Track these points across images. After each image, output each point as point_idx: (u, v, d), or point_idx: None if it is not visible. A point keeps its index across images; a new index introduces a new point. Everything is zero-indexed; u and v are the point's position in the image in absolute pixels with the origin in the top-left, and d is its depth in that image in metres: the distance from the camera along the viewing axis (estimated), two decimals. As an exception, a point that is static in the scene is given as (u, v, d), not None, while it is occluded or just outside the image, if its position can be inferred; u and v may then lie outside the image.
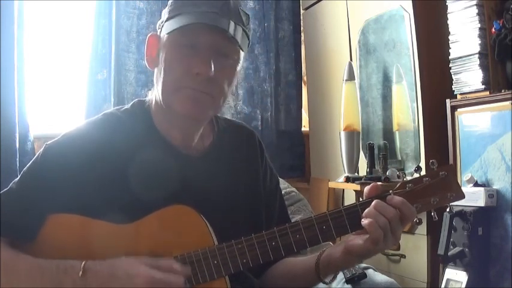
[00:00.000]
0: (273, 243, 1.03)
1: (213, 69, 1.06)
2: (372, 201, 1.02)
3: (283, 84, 3.11)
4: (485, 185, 1.84)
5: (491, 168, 1.84)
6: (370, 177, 2.11)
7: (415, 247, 2.11)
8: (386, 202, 1.01)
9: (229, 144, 1.24)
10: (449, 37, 2.01)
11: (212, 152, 1.21)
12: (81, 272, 0.96)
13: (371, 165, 2.24)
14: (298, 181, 2.92)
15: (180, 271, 0.98)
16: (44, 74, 2.67)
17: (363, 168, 2.37)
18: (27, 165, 1.12)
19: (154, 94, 1.17)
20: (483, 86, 1.89)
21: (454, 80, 2.01)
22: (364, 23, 2.47)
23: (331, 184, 2.52)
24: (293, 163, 3.11)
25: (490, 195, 1.79)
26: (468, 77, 1.95)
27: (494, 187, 1.82)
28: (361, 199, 1.07)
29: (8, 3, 2.31)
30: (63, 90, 2.73)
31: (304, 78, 3.19)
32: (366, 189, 1.06)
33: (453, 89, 2.01)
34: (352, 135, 2.32)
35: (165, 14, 1.14)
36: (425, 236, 2.06)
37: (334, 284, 1.42)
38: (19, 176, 1.11)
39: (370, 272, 1.53)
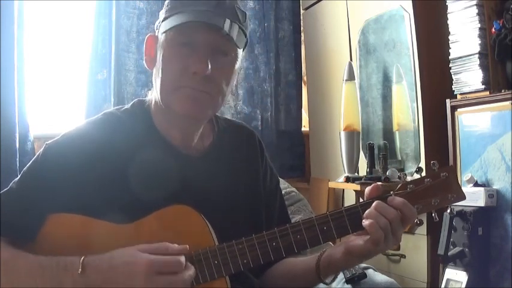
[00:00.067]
0: (274, 244, 1.03)
1: (210, 67, 1.06)
2: (373, 202, 1.02)
3: (283, 84, 3.11)
4: (485, 185, 1.85)
5: (491, 168, 1.84)
6: (370, 177, 2.11)
7: (415, 247, 2.11)
8: (387, 203, 1.01)
9: (230, 144, 1.24)
10: (449, 37, 2.01)
11: (212, 152, 1.21)
12: (80, 269, 0.96)
13: (371, 165, 2.24)
14: (298, 181, 2.92)
15: (178, 250, 0.98)
16: (44, 74, 2.67)
17: (363, 168, 2.37)
18: (27, 165, 1.12)
19: (154, 94, 1.17)
20: (483, 86, 1.89)
21: (454, 80, 2.01)
22: (364, 23, 2.47)
23: (331, 184, 2.52)
24: (293, 163, 3.11)
25: (490, 195, 1.80)
26: (468, 77, 1.95)
27: (494, 187, 1.82)
28: (361, 199, 1.07)
29: (8, 3, 2.31)
30: (63, 90, 2.73)
31: (304, 78, 3.19)
32: (367, 190, 1.06)
33: (453, 89, 2.01)
34: (352, 135, 2.32)
35: (162, 14, 1.14)
36: (425, 236, 2.06)
37: (334, 284, 1.42)
38: (19, 176, 1.11)
39: (370, 272, 1.53)
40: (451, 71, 2.01)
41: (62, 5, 2.69)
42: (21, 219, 1.05)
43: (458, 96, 2.00)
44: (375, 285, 1.46)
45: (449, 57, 2.02)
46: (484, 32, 1.90)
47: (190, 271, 0.98)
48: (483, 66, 1.89)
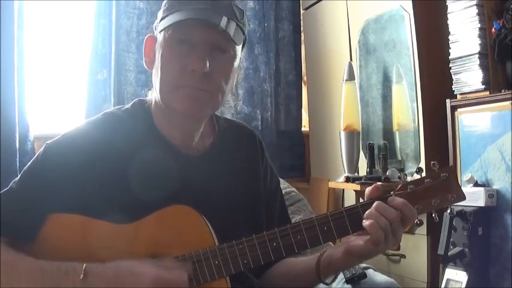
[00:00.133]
0: (274, 244, 1.03)
1: (208, 65, 1.06)
2: (373, 202, 1.02)
3: (283, 84, 3.11)
4: (485, 185, 1.85)
5: (491, 168, 1.84)
6: (370, 177, 2.12)
7: (415, 247, 2.11)
8: (387, 203, 1.01)
9: (230, 144, 1.24)
10: (449, 37, 2.01)
11: (212, 151, 1.21)
12: (82, 275, 0.96)
13: (371, 165, 2.24)
14: (298, 181, 2.92)
15: (183, 269, 0.99)
16: (44, 74, 2.67)
17: (363, 168, 2.37)
18: (27, 165, 1.12)
19: (154, 94, 1.17)
20: (483, 86, 1.89)
21: (454, 80, 2.01)
22: (364, 23, 2.47)
23: (331, 184, 2.52)
24: (293, 163, 3.11)
25: (490, 195, 1.80)
26: (468, 77, 1.95)
27: (494, 187, 1.82)
28: (361, 199, 1.07)
29: (8, 3, 2.31)
30: (63, 90, 2.73)
31: (304, 78, 3.19)
32: (367, 190, 1.06)
33: (453, 89, 2.01)
34: (352, 135, 2.32)
35: (160, 14, 1.14)
36: (425, 236, 2.06)
37: (334, 284, 1.42)
38: (19, 176, 1.11)
39: (370, 272, 1.53)
40: (451, 71, 2.01)
41: (62, 5, 2.69)
42: (21, 219, 1.05)
43: (458, 96, 2.00)
44: (375, 285, 1.46)
45: (449, 57, 2.02)
46: (484, 32, 1.90)
47: None
48: (483, 66, 1.89)
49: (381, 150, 2.32)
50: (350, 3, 2.57)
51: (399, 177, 1.10)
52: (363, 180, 2.13)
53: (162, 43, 1.11)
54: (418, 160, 2.15)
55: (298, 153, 3.14)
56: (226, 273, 1.03)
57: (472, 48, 1.92)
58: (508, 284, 1.73)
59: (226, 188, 1.19)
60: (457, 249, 1.84)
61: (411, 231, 2.08)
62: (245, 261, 1.03)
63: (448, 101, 2.02)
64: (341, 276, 1.47)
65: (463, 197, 1.06)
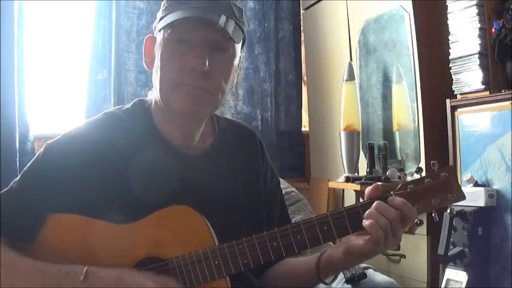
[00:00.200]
0: (274, 244, 1.03)
1: (207, 63, 1.06)
2: (373, 202, 1.02)
3: (283, 84, 3.11)
4: (485, 185, 1.85)
5: (491, 168, 1.84)
6: (370, 177, 2.11)
7: (415, 247, 2.11)
8: (387, 203, 1.01)
9: (230, 144, 1.24)
10: (449, 37, 2.01)
11: (213, 151, 1.21)
12: (82, 277, 0.96)
13: (371, 165, 2.24)
14: (298, 181, 2.92)
15: None
16: (44, 74, 2.67)
17: (363, 168, 2.37)
18: (28, 165, 1.12)
19: (154, 94, 1.17)
20: (483, 86, 1.89)
21: (454, 80, 2.01)
22: (364, 23, 2.47)
23: (331, 184, 2.52)
24: (293, 163, 3.11)
25: (490, 195, 1.80)
26: (468, 77, 1.95)
27: (494, 187, 1.82)
28: (361, 199, 1.07)
29: (8, 3, 2.31)
30: (63, 90, 2.73)
31: (304, 78, 3.19)
32: (367, 190, 1.06)
33: (453, 89, 2.01)
34: (352, 135, 2.32)
35: (159, 14, 1.14)
36: (425, 236, 2.06)
37: (334, 284, 1.42)
38: (19, 176, 1.11)
39: (370, 272, 1.53)
40: (451, 71, 2.01)
41: (62, 5, 2.69)
42: (21, 219, 1.05)
43: (458, 96, 2.00)
44: (375, 285, 1.46)
45: (449, 57, 2.02)
46: (484, 32, 1.90)
47: None
48: (483, 66, 1.89)
49: (381, 150, 2.32)
50: (350, 3, 2.57)
51: (399, 177, 1.10)
52: (363, 180, 2.13)
53: (161, 42, 1.11)
54: (418, 160, 2.15)
55: (298, 153, 3.14)
56: (226, 273, 1.03)
57: (472, 48, 1.92)
58: (508, 284, 1.73)
59: (226, 188, 1.19)
60: (457, 249, 1.84)
61: (411, 231, 2.08)
62: (245, 261, 1.03)
63: (448, 101, 2.02)
64: (341, 276, 1.47)
65: (463, 197, 1.06)
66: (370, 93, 2.50)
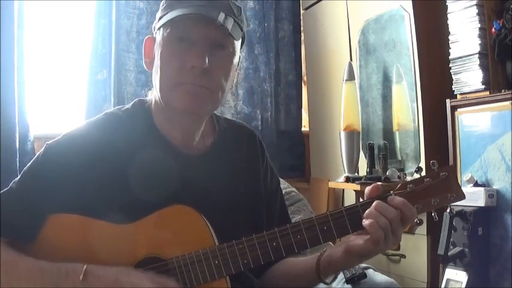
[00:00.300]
0: (274, 244, 1.03)
1: (207, 61, 1.06)
2: (373, 201, 1.02)
3: (283, 84, 3.11)
4: (485, 185, 1.85)
5: (491, 168, 1.84)
6: (370, 177, 2.12)
7: (415, 247, 2.11)
8: (387, 203, 1.01)
9: (230, 144, 1.24)
10: (449, 37, 2.01)
11: (213, 151, 1.21)
12: (82, 276, 0.96)
13: (371, 165, 2.24)
14: (298, 181, 2.92)
15: None
16: (44, 74, 2.67)
17: (363, 168, 2.37)
18: (28, 165, 1.12)
19: (154, 93, 1.17)
20: (483, 86, 1.89)
21: (454, 80, 2.01)
22: (364, 23, 2.47)
23: (331, 184, 2.52)
24: (293, 163, 3.11)
25: (490, 195, 1.80)
26: (468, 77, 1.95)
27: (494, 187, 1.82)
28: (361, 199, 1.07)
29: (8, 3, 2.31)
30: (63, 90, 2.73)
31: (304, 78, 3.19)
32: (367, 189, 1.06)
33: (453, 89, 2.01)
34: (352, 135, 2.32)
35: (158, 14, 1.14)
36: (425, 236, 2.06)
37: (334, 284, 1.42)
38: (19, 176, 1.11)
39: (370, 272, 1.53)
40: (451, 71, 2.01)
41: (62, 5, 2.69)
42: (21, 219, 1.05)
43: (458, 96, 2.00)
44: (375, 285, 1.46)
45: (449, 57, 2.02)
46: (484, 32, 1.90)
47: None
48: (483, 66, 1.89)
49: (381, 150, 2.32)
50: (350, 3, 2.57)
51: (399, 177, 1.10)
52: (363, 180, 2.13)
53: (161, 42, 1.11)
54: (418, 160, 2.15)
55: (298, 153, 3.14)
56: (226, 273, 1.03)
57: (472, 48, 1.92)
58: (508, 284, 1.73)
59: (226, 188, 1.19)
60: (457, 249, 1.84)
61: (411, 231, 2.08)
62: (245, 261, 1.03)
63: (448, 101, 2.02)
64: (341, 276, 1.47)
65: (462, 196, 1.06)
66: (370, 93, 2.50)
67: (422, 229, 2.05)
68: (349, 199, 2.57)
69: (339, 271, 1.20)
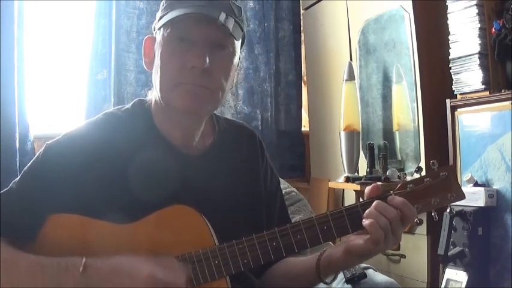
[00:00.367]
0: (274, 244, 1.03)
1: (207, 61, 1.06)
2: (373, 201, 1.02)
3: (283, 84, 3.11)
4: (485, 185, 1.85)
5: (491, 168, 1.84)
6: (370, 177, 2.12)
7: (415, 247, 2.11)
8: (387, 203, 1.01)
9: (230, 144, 1.24)
10: (449, 37, 2.01)
11: (213, 151, 1.21)
12: (81, 268, 0.96)
13: (371, 165, 2.24)
14: (298, 181, 2.92)
15: (182, 270, 0.99)
16: (44, 74, 2.67)
17: (363, 168, 2.37)
18: (28, 165, 1.12)
19: (154, 93, 1.17)
20: (483, 86, 1.89)
21: (454, 80, 2.01)
22: (364, 23, 2.47)
23: (331, 184, 2.52)
24: (293, 163, 3.11)
25: (490, 195, 1.80)
26: (468, 77, 1.95)
27: (494, 187, 1.82)
28: (361, 199, 1.07)
29: (8, 3, 2.31)
30: (63, 90, 2.73)
31: (304, 78, 3.19)
32: (367, 189, 1.06)
33: (453, 89, 2.01)
34: (352, 135, 2.32)
35: (158, 14, 1.14)
36: (425, 236, 2.06)
37: (334, 284, 1.42)
38: (19, 176, 1.11)
39: (370, 272, 1.53)
40: (451, 71, 2.01)
41: (62, 5, 2.69)
42: (21, 219, 1.05)
43: (458, 96, 2.00)
44: (375, 285, 1.46)
45: (449, 57, 2.02)
46: (484, 32, 1.90)
47: None
48: (483, 66, 1.89)
49: (381, 150, 2.32)
50: (350, 3, 2.57)
51: (399, 177, 1.10)
52: (363, 180, 2.13)
53: (161, 42, 1.11)
54: (418, 160, 2.15)
55: (298, 153, 3.14)
56: (226, 273, 1.03)
57: (472, 48, 1.92)
58: (508, 284, 1.73)
59: (226, 188, 1.19)
60: (457, 249, 1.84)
61: (411, 231, 2.08)
62: (245, 261, 1.03)
63: (448, 101, 2.02)
64: (341, 276, 1.47)
65: (462, 196, 1.06)
66: (370, 93, 2.50)
67: (422, 229, 2.05)
68: (349, 199, 2.57)
69: (339, 271, 1.20)
